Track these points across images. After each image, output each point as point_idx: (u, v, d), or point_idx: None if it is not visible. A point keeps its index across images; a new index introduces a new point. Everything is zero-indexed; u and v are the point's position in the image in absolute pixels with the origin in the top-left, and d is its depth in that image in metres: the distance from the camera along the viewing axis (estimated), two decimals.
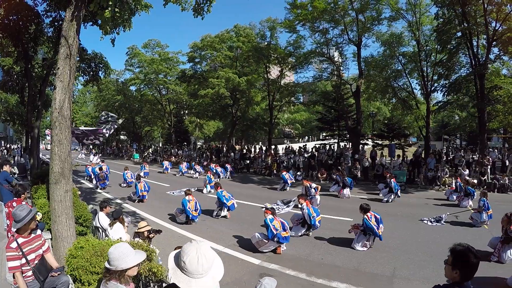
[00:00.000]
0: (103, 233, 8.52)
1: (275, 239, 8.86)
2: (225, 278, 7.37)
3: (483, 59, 25.29)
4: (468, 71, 27.15)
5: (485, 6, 23.78)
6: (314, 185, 15.57)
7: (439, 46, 27.96)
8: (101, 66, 19.61)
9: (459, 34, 26.04)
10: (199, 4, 8.75)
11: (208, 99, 39.84)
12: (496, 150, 31.62)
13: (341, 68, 35.03)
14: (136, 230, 7.75)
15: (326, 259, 8.85)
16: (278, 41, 38.75)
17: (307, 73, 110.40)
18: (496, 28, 24.74)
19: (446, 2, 25.14)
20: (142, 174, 23.89)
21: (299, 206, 11.11)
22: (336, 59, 34.59)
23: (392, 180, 17.13)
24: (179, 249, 2.43)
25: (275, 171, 27.27)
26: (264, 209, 9.79)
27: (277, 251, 9.15)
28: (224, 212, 13.17)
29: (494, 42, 25.22)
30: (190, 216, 11.92)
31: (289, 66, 38.39)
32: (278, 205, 15.03)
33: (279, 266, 8.22)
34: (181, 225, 11.98)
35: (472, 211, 12.74)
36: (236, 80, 37.23)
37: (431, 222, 12.56)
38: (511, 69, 32.75)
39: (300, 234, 10.73)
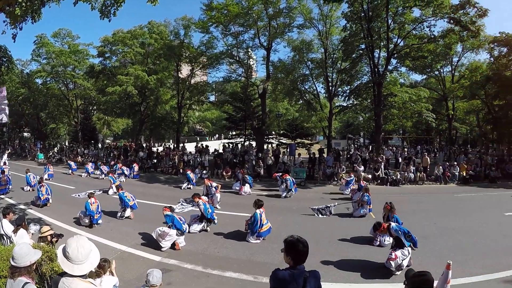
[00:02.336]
0: (8, 240, 8.11)
1: (178, 227, 9.39)
2: (128, 275, 7.56)
3: (383, 69, 27.57)
4: (368, 79, 29.47)
5: (389, 23, 26.30)
6: (214, 184, 15.82)
7: (344, 56, 29.89)
8: (5, 60, 18.15)
9: (363, 46, 28.28)
10: (106, 6, 8.57)
11: (115, 97, 38.35)
12: (394, 148, 35.35)
13: (250, 71, 35.91)
14: (40, 235, 7.63)
15: (221, 252, 9.35)
16: (192, 40, 38.75)
17: (218, 73, 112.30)
18: (397, 43, 27.48)
19: (354, 17, 27.30)
20: (46, 176, 22.67)
21: (196, 204, 11.50)
22: (245, 61, 35.27)
23: (289, 177, 18.16)
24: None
25: (181, 170, 26.91)
26: (164, 208, 10.03)
27: (176, 247, 9.41)
28: (128, 213, 13.04)
29: (394, 55, 27.91)
30: (93, 219, 11.69)
31: (200, 66, 38.53)
32: (182, 204, 15.14)
33: (177, 261, 8.58)
34: (86, 228, 11.68)
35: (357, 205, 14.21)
36: (145, 78, 36.36)
37: (320, 212, 13.68)
38: (407, 79, 36.59)
39: (199, 230, 11.12)
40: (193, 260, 8.68)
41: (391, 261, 7.92)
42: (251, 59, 36.58)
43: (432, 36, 27.08)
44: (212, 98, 52.62)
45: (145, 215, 13.34)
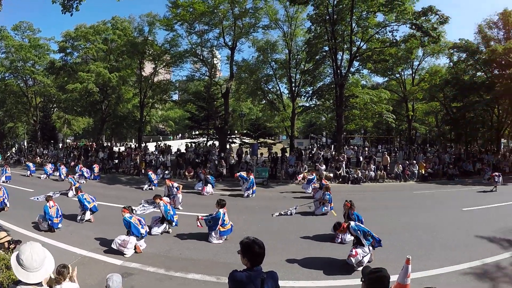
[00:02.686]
0: None
1: (135, 234, 9.15)
2: (89, 280, 7.41)
3: (345, 71, 28.19)
4: (331, 81, 30.01)
5: (352, 27, 26.87)
6: (176, 184, 15.72)
7: (308, 57, 30.43)
8: None
9: (326, 48, 28.75)
10: (68, 0, 8.32)
11: (76, 94, 36.96)
12: (356, 147, 36.47)
13: (214, 70, 35.84)
14: None
15: (184, 254, 9.32)
16: (156, 37, 38.19)
17: (182, 72, 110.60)
18: (360, 46, 28.13)
19: (319, 19, 27.69)
20: (3, 178, 22.00)
21: (157, 205, 11.44)
22: (209, 60, 35.09)
23: (251, 176, 18.43)
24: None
25: (143, 171, 26.36)
26: (122, 208, 9.78)
27: (137, 250, 9.28)
28: (88, 216, 12.68)
29: (357, 58, 28.62)
30: (51, 223, 11.28)
31: (164, 64, 37.97)
32: (143, 205, 14.95)
33: (139, 264, 8.46)
34: (45, 232, 11.27)
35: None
36: (106, 76, 35.18)
37: (281, 215, 13.69)
38: (369, 81, 37.98)
39: (160, 232, 11.04)
40: (155, 262, 8.60)
41: (351, 258, 8.16)
42: (215, 58, 36.41)
43: (394, 41, 27.81)
44: (176, 97, 52.01)
45: (106, 218, 13.04)
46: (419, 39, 27.30)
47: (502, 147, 48.28)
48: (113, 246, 9.16)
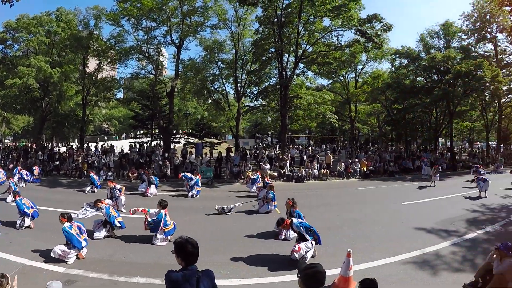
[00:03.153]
0: None
1: (77, 246, 8.81)
2: None
3: (290, 73, 28.83)
4: (276, 81, 30.62)
5: (299, 30, 27.54)
6: (118, 186, 15.49)
7: (254, 57, 30.87)
8: None
9: (273, 50, 29.19)
10: None
11: (15, 90, 34.86)
12: (300, 147, 37.68)
13: (161, 68, 35.41)
14: None
15: (128, 257, 9.15)
16: (102, 32, 37.03)
17: (127, 69, 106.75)
18: (306, 49, 29.00)
19: (267, 21, 28.02)
20: None
21: (98, 208, 11.19)
22: (155, 58, 34.54)
23: (197, 176, 18.61)
24: None
25: (85, 172, 25.25)
26: (60, 216, 9.36)
27: (79, 256, 9.01)
28: (28, 222, 12.05)
29: (302, 60, 29.29)
30: None
31: (109, 60, 36.92)
32: (86, 209, 14.45)
33: (82, 271, 8.23)
34: None
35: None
36: (48, 71, 33.63)
37: (223, 210, 13.86)
38: (313, 83, 39.28)
39: (103, 236, 10.75)
40: (99, 268, 8.42)
41: (295, 253, 8.43)
42: (161, 56, 35.82)
43: (339, 45, 28.86)
44: (120, 95, 50.56)
45: (47, 224, 12.37)
46: (363, 44, 28.53)
47: (440, 145, 51.87)
48: (53, 255, 8.82)
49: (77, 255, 8.90)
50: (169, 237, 10.31)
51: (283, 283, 7.66)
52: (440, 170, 25.46)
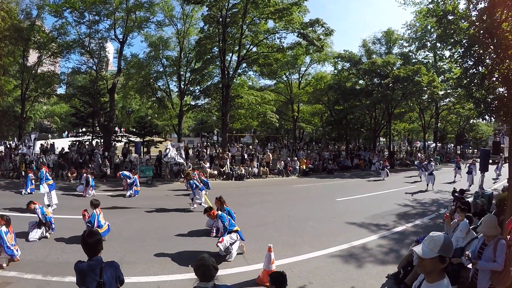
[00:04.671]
0: None
1: (9, 253, 8.62)
2: None
3: (232, 72, 29.34)
4: (219, 80, 30.66)
5: (242, 30, 27.95)
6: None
7: (197, 56, 31.01)
8: None
9: (216, 49, 29.42)
10: None
11: None
12: (242, 145, 39.33)
13: (104, 64, 34.51)
14: None
15: (61, 258, 9.10)
16: (45, 23, 34.96)
17: (68, 63, 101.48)
18: (249, 49, 29.54)
19: (211, 20, 28.25)
20: None
21: (32, 210, 10.91)
22: (96, 53, 33.20)
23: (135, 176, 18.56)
24: None
25: (23, 173, 23.47)
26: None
27: (14, 259, 8.84)
28: None
29: (244, 60, 29.74)
30: None
31: (50, 53, 35.27)
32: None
33: (17, 273, 8.16)
34: None
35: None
36: None
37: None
38: (255, 83, 40.22)
39: (38, 237, 10.54)
40: (33, 269, 8.34)
41: (219, 244, 8.67)
42: (103, 51, 34.64)
43: (281, 47, 29.51)
44: (62, 91, 48.44)
45: None
46: (305, 47, 29.46)
47: (381, 145, 54.50)
48: None
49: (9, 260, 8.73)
50: (105, 237, 10.25)
51: None
52: (388, 166, 27.42)
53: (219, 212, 9.29)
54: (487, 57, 12.57)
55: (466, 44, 13.07)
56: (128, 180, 18.12)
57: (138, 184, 18.55)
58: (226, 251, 8.73)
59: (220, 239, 8.74)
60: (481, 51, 12.61)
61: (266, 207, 15.61)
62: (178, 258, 8.88)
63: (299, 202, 17.25)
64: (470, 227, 7.72)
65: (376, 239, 10.90)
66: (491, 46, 11.96)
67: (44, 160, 25.84)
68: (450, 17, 13.64)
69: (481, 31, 11.95)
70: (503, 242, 5.57)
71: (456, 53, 14.39)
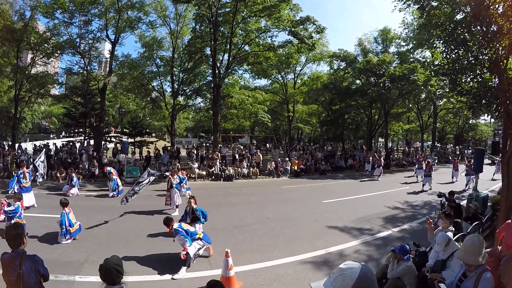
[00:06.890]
0: None
1: None
2: None
3: (224, 71, 29.04)
4: (210, 80, 30.54)
5: (233, 29, 27.73)
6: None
7: (188, 56, 30.78)
8: None
9: (208, 48, 29.24)
10: None
11: None
12: (242, 146, 39.19)
13: (96, 64, 34.35)
14: None
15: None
16: (38, 23, 34.97)
17: (60, 64, 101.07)
18: (241, 47, 29.50)
19: (201, 20, 28.34)
20: None
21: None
22: (87, 54, 33.04)
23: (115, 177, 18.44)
24: None
25: (13, 173, 23.89)
26: None
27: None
28: None
29: (235, 59, 29.63)
30: None
31: (43, 54, 35.08)
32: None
33: None
34: None
35: None
36: None
37: (126, 199, 13.22)
38: (247, 82, 40.16)
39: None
40: None
41: (183, 252, 8.23)
42: (97, 52, 34.36)
43: (272, 46, 29.31)
44: (57, 91, 48.27)
45: None
46: (296, 46, 29.14)
47: (379, 145, 54.06)
48: None
49: None
50: (74, 236, 10.11)
51: (180, 280, 7.70)
52: (382, 164, 27.09)
53: (175, 226, 8.68)
54: (473, 42, 11.69)
55: (449, 28, 12.16)
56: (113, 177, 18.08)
57: (120, 184, 18.40)
58: (194, 256, 8.42)
59: (183, 249, 8.29)
60: (466, 34, 11.77)
61: (247, 208, 15.17)
62: (144, 260, 8.66)
63: (283, 203, 16.69)
64: (459, 234, 7.19)
65: (357, 245, 10.30)
66: (478, 29, 11.18)
67: (33, 160, 25.55)
68: (434, 3, 12.78)
69: (467, 16, 11.27)
70: (487, 276, 4.31)
71: (438, 38, 13.48)
